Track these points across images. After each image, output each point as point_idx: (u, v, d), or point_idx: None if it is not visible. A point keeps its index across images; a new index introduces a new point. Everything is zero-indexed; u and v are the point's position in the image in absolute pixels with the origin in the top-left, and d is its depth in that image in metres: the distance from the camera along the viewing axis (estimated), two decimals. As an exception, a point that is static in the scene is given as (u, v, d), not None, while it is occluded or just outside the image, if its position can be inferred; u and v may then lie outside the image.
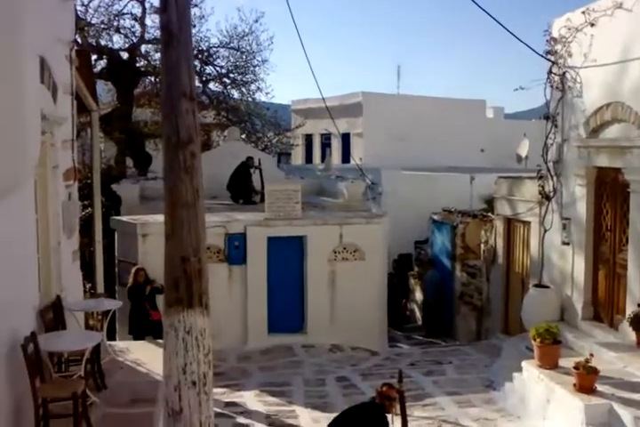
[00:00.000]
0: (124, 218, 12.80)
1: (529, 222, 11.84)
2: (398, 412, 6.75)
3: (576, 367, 7.06)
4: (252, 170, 15.40)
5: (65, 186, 8.50)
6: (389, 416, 6.43)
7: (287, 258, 12.63)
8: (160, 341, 9.01)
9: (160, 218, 12.14)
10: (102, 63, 20.03)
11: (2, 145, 4.93)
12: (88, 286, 11.50)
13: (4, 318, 5.81)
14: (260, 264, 12.39)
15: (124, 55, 20.45)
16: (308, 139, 28.80)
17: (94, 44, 19.60)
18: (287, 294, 12.60)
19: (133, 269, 10.90)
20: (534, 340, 7.94)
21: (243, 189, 15.27)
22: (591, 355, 7.26)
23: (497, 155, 24.39)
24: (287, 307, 12.56)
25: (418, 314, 16.45)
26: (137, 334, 10.59)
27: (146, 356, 8.23)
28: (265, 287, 12.44)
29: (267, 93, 22.44)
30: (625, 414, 6.52)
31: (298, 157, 29.12)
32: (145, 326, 10.58)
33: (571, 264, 10.34)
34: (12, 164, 5.17)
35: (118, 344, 8.82)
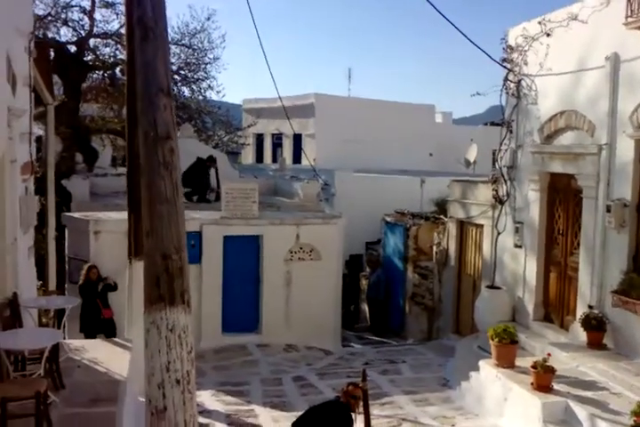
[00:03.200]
0: (76, 214, 12.51)
1: (482, 225, 12.13)
2: (362, 410, 6.83)
3: (534, 366, 7.27)
4: (210, 170, 15.36)
5: (22, 180, 8.28)
6: (353, 415, 6.50)
7: (243, 257, 12.59)
8: (115, 339, 8.93)
9: (113, 215, 12.07)
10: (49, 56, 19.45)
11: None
12: (39, 282, 11.18)
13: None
14: (216, 263, 12.31)
15: (72, 48, 19.97)
16: (259, 138, 28.75)
17: (41, 36, 19.07)
18: (242, 293, 12.56)
19: (86, 267, 10.67)
20: (492, 339, 8.14)
21: (199, 185, 15.13)
22: (548, 354, 7.49)
23: (445, 159, 24.87)
24: (242, 306, 12.52)
25: (368, 314, 16.61)
26: (88, 332, 10.37)
27: (102, 355, 8.06)
28: (220, 286, 12.36)
29: (218, 92, 22.35)
30: (580, 411, 6.76)
31: (248, 156, 29.01)
32: (96, 325, 10.38)
33: (523, 266, 10.64)
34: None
35: (74, 343, 8.60)
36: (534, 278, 10.38)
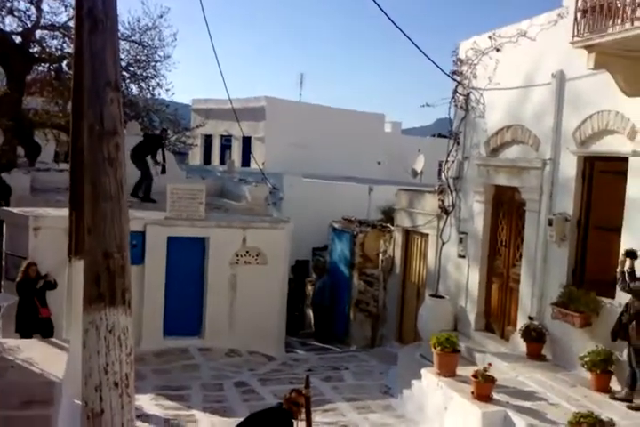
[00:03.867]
0: (15, 209, 12.12)
1: (427, 235, 12.26)
2: (303, 417, 6.78)
3: (474, 376, 7.36)
4: (162, 144, 15.39)
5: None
6: (295, 422, 6.45)
7: (187, 259, 12.41)
8: (52, 339, 8.65)
9: (54, 211, 11.73)
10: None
11: None
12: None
13: None
14: (159, 264, 12.09)
15: (17, 39, 19.39)
16: (208, 139, 28.45)
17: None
18: (185, 295, 12.37)
19: (24, 264, 10.33)
20: (434, 348, 8.21)
21: (146, 184, 14.85)
22: (489, 364, 7.60)
23: (392, 168, 25.13)
24: (185, 309, 12.33)
25: (313, 320, 16.58)
26: (24, 331, 10.02)
27: (38, 355, 7.78)
28: (162, 288, 12.15)
29: (167, 90, 21.99)
30: (519, 421, 6.87)
31: (196, 157, 28.68)
32: (33, 324, 10.04)
33: (466, 276, 10.79)
34: None
35: (8, 342, 8.29)
36: (477, 288, 10.52)
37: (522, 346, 8.90)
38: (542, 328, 8.71)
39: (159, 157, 14.97)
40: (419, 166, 18.77)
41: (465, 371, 8.01)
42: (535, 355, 8.67)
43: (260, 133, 25.14)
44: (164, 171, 14.91)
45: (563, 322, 8.26)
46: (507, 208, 10.17)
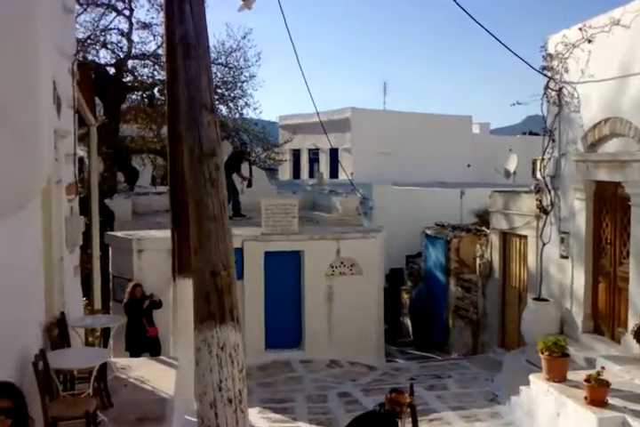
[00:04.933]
0: (119, 233, 12.67)
1: (525, 236, 11.91)
2: (408, 418, 6.73)
3: (587, 380, 7.05)
4: (244, 158, 15.62)
5: (67, 200, 8.40)
6: (399, 422, 6.40)
7: (284, 273, 12.58)
8: (161, 357, 8.95)
9: (155, 233, 12.15)
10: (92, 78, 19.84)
11: (22, 160, 4.85)
12: (84, 301, 11.31)
13: (15, 336, 5.67)
14: (257, 279, 12.31)
15: (111, 70, 20.36)
16: (296, 154, 28.85)
17: (81, 58, 19.48)
18: (284, 309, 12.53)
19: (130, 285, 10.76)
20: (542, 353, 7.93)
21: (233, 200, 15.17)
22: (602, 368, 7.27)
23: (483, 170, 24.65)
24: (284, 322, 12.49)
25: (411, 329, 16.43)
26: (134, 350, 10.41)
27: (149, 373, 8.07)
28: (262, 303, 12.35)
29: (254, 109, 22.50)
30: (639, 426, 6.52)
31: (285, 172, 29.13)
32: (142, 343, 10.41)
33: (570, 277, 10.40)
34: (29, 179, 5.08)
35: (120, 361, 8.63)
36: (582, 289, 10.13)
37: (634, 347, 8.44)
38: (656, 328, 8.26)
39: (244, 172, 15.23)
40: (511, 166, 18.34)
41: (576, 376, 7.68)
42: (651, 357, 8.24)
43: (346, 144, 25.25)
44: (250, 185, 15.15)
45: (679, 321, 7.82)
46: (610, 204, 9.74)
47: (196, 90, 4.83)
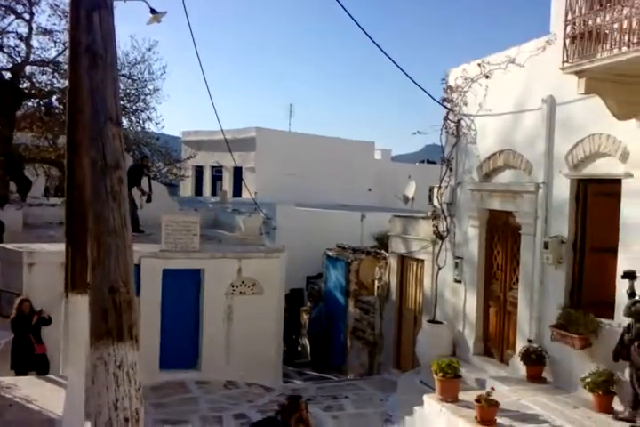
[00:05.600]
0: (8, 245, 12.05)
1: (422, 260, 12.28)
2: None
3: (478, 400, 7.31)
4: (144, 172, 15.17)
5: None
6: None
7: (183, 291, 12.36)
8: (49, 376, 8.53)
9: (47, 246, 11.66)
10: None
11: None
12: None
13: None
14: (154, 297, 12.01)
15: (7, 75, 19.49)
16: (199, 170, 28.58)
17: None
18: (181, 328, 12.28)
19: (18, 300, 10.23)
20: (436, 374, 8.17)
21: (131, 215, 14.79)
22: (492, 388, 7.57)
23: (383, 194, 25.26)
24: (181, 341, 12.24)
25: (309, 349, 16.47)
26: (20, 368, 9.88)
27: (36, 392, 7.67)
28: (158, 321, 12.05)
29: (157, 123, 22.21)
30: (524, 445, 6.83)
31: (187, 188, 28.75)
32: (29, 361, 9.91)
33: (463, 301, 10.79)
34: None
35: (5, 380, 8.17)
36: (474, 313, 10.53)
37: (522, 369, 8.87)
38: (542, 351, 8.69)
39: (144, 186, 14.89)
40: (410, 192, 18.87)
41: (467, 396, 7.96)
42: (536, 378, 8.64)
43: (250, 164, 25.27)
44: (149, 200, 14.76)
45: (562, 344, 8.26)
46: (501, 232, 10.22)
47: (101, 101, 4.71)
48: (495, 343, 10.25)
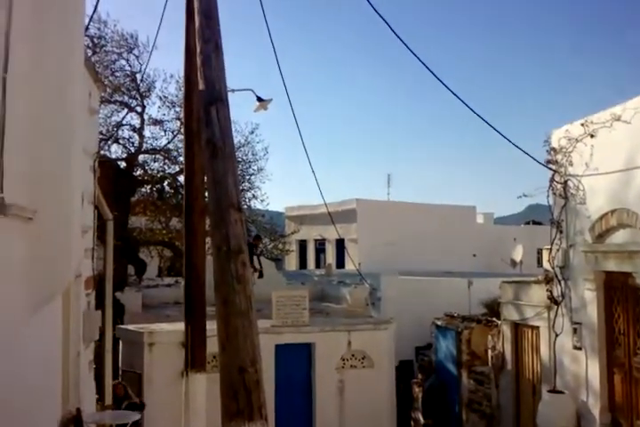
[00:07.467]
0: (130, 327, 12.62)
1: (537, 327, 11.85)
2: None
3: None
4: (256, 250, 15.80)
5: (85, 295, 8.48)
6: None
7: (294, 366, 12.45)
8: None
9: (165, 326, 12.11)
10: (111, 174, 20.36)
11: (57, 257, 5.00)
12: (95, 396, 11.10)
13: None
14: (268, 373, 12.08)
15: (122, 164, 20.91)
16: (302, 244, 29.15)
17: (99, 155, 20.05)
18: (294, 403, 12.30)
19: (113, 383, 10.60)
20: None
21: None
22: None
23: (488, 259, 24.76)
24: (295, 418, 12.20)
25: (422, 423, 15.96)
26: None
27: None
28: (272, 398, 12.07)
29: (262, 201, 22.93)
30: None
31: (292, 262, 29.29)
32: None
33: (584, 369, 10.29)
34: (61, 273, 5.22)
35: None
36: (598, 381, 10.00)
37: (660, 443, 8.28)
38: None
39: (255, 263, 15.43)
40: (517, 256, 18.44)
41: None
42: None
43: (352, 235, 25.54)
44: (261, 276, 15.37)
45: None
46: (621, 294, 9.79)
47: (222, 190, 5.00)
48: (623, 413, 9.63)
